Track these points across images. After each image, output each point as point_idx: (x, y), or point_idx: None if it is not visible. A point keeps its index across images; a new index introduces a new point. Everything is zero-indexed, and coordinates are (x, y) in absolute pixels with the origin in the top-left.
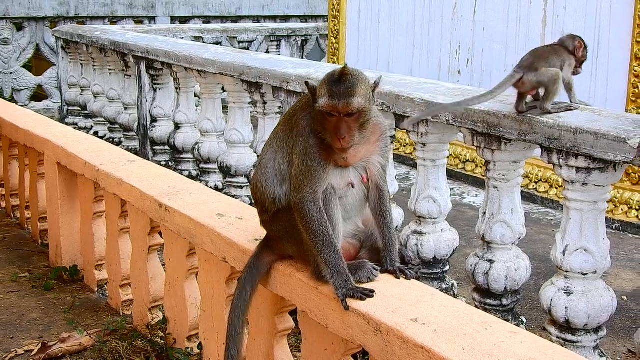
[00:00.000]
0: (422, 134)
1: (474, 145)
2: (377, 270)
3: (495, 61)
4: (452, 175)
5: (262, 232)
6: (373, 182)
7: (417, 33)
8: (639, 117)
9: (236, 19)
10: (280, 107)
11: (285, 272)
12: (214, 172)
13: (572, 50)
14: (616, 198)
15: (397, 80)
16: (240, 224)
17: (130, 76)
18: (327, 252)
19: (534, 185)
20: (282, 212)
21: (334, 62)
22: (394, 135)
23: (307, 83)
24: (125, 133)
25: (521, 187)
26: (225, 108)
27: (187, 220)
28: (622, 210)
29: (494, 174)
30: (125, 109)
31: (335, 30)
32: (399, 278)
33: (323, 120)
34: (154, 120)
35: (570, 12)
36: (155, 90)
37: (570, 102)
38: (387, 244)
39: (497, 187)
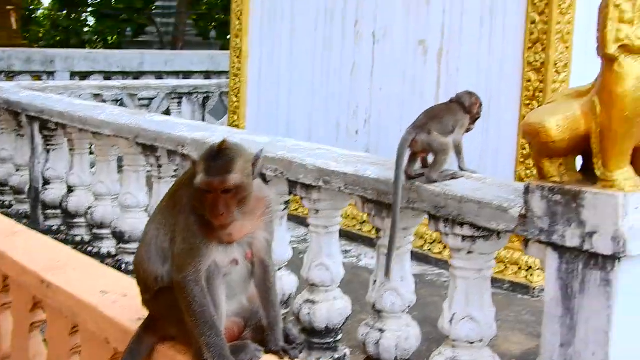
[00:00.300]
0: (314, 200)
1: (363, 211)
2: (260, 351)
3: (392, 121)
4: (348, 236)
5: (147, 311)
6: (258, 258)
7: (316, 93)
8: (520, 186)
9: (138, 74)
10: (175, 171)
11: (167, 355)
12: (107, 237)
13: (469, 106)
14: (506, 258)
15: (291, 146)
16: (125, 302)
17: (23, 136)
18: (209, 335)
19: (428, 247)
20: (164, 291)
21: (234, 121)
22: (289, 201)
23: (189, 157)
24: (16, 196)
25: (416, 248)
26: (121, 169)
27: (69, 298)
28: (512, 270)
29: (385, 241)
30: (17, 170)
31: (236, 89)
32: (282, 359)
33: (202, 197)
34: (46, 182)
35: (462, 74)
36: (48, 151)
37: (459, 166)
38: (272, 322)
39: None
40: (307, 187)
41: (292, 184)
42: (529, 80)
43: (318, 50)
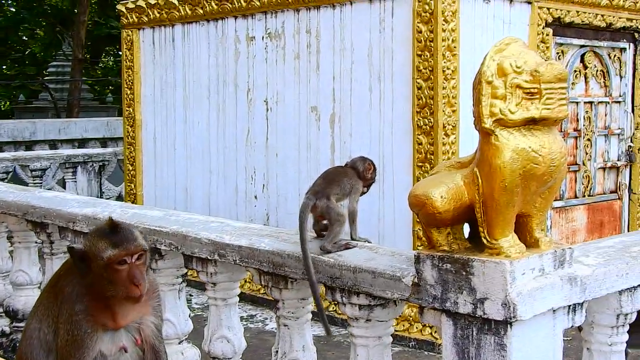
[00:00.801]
0: (211, 273)
1: (261, 284)
2: None
3: (290, 185)
4: (253, 300)
5: None
6: (148, 344)
7: (212, 159)
8: (412, 254)
9: (31, 144)
10: None
11: None
12: (0, 316)
13: (362, 170)
14: (411, 316)
15: (185, 219)
16: None
17: None
18: None
19: (333, 307)
20: None
21: (131, 189)
22: (186, 274)
23: (72, 249)
24: None
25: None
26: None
27: None
28: (416, 328)
29: (283, 312)
30: None
31: (132, 157)
32: None
33: (112, 274)
34: None
35: (355, 138)
36: None
37: (351, 236)
38: None
39: (287, 325)
40: (203, 261)
41: (188, 258)
42: (420, 143)
43: (213, 117)
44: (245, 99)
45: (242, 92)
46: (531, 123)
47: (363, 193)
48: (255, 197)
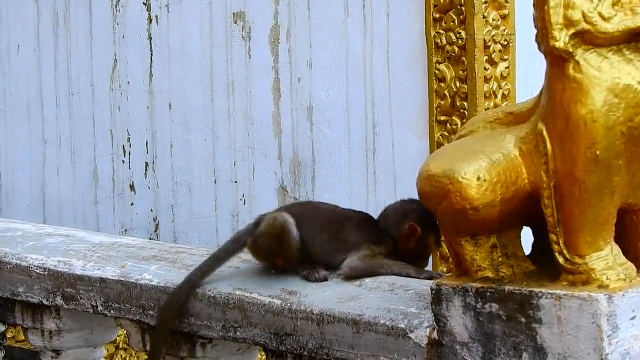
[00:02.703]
0: (50, 332)
1: (145, 350)
2: None
3: (196, 162)
4: None
5: None
6: None
7: (47, 117)
8: (426, 288)
9: None
10: None
11: None
12: None
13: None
14: None
15: None
16: None
17: None
18: None
19: None
20: None
21: None
22: (4, 333)
23: None
24: None
25: None
26: None
27: None
28: None
29: None
30: None
31: None
32: None
33: None
34: None
35: (318, 73)
36: None
37: None
38: None
39: None
40: (34, 310)
41: (6, 305)
42: (441, 80)
43: (46, 37)
44: (107, 0)
45: None
46: None
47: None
48: (132, 186)
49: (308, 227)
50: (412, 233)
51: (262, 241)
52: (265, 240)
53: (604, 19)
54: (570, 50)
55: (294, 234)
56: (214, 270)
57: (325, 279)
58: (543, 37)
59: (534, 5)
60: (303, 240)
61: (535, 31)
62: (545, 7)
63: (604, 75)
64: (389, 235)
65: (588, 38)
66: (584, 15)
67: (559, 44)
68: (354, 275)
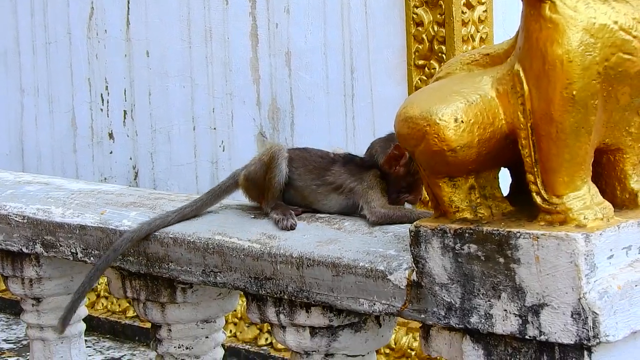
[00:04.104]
0: (30, 280)
1: (126, 297)
2: None
3: (174, 110)
4: (116, 332)
5: None
6: None
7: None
8: (405, 230)
9: None
10: None
11: None
12: None
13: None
14: (412, 349)
15: None
16: None
17: None
18: None
19: (266, 338)
20: None
21: None
22: None
23: None
24: None
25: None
26: None
27: None
28: None
29: (171, 347)
30: None
31: None
32: None
33: None
34: None
35: (296, 16)
36: None
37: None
38: None
39: None
40: (14, 258)
41: None
42: (419, 24)
43: None
44: None
45: None
46: None
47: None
48: (111, 134)
49: (297, 167)
50: (398, 155)
51: (253, 169)
52: (256, 169)
53: None
54: None
55: (282, 167)
56: (209, 205)
57: (292, 228)
58: None
59: None
60: (291, 180)
61: None
62: None
63: (580, 15)
64: (374, 165)
65: None
66: None
67: None
68: (378, 222)
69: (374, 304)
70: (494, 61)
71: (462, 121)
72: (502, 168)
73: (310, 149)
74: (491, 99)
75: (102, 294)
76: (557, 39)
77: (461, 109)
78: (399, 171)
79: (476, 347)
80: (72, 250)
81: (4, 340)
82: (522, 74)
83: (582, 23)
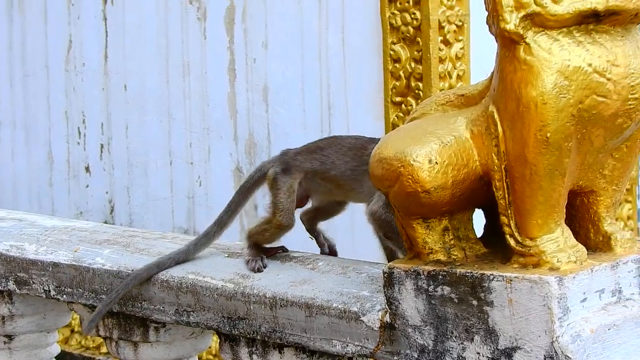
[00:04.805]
0: (3, 317)
1: (98, 335)
2: None
3: (152, 145)
4: None
5: None
6: None
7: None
8: (378, 271)
9: None
10: None
11: None
12: None
13: None
14: None
15: None
16: None
17: None
18: None
19: None
20: None
21: None
22: None
23: None
24: None
25: None
26: None
27: None
28: None
29: None
30: None
31: None
32: None
33: None
34: None
35: (275, 53)
36: None
37: None
38: None
39: None
40: None
41: None
42: (396, 60)
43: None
44: None
45: None
46: (591, 20)
47: None
48: (87, 168)
49: (328, 154)
50: None
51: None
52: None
53: (554, 1)
54: (521, 32)
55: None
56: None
57: (260, 271)
58: (494, 19)
59: None
60: (324, 171)
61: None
62: None
63: (555, 58)
64: None
65: (538, 20)
66: None
67: (510, 27)
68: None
69: (347, 346)
70: (468, 102)
71: (436, 162)
72: (476, 209)
73: (340, 136)
74: (465, 140)
75: (76, 329)
76: (532, 81)
77: (435, 150)
78: None
79: None
80: (45, 288)
81: None
82: (496, 115)
83: (556, 65)
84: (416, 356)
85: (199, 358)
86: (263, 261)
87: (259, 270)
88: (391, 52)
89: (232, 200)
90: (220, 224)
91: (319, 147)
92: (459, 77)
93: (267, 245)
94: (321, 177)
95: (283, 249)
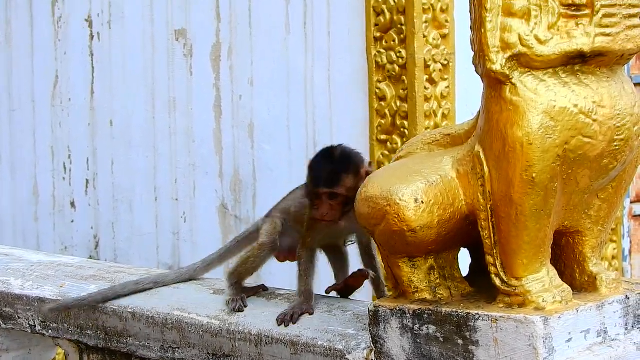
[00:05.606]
0: None
1: None
2: None
3: (138, 180)
4: None
5: None
6: None
7: None
8: (364, 309)
9: None
10: None
11: None
12: None
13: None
14: None
15: None
16: None
17: None
18: None
19: None
20: None
21: None
22: None
23: None
24: None
25: None
26: None
27: None
28: None
29: None
30: None
31: None
32: None
33: None
34: None
35: (260, 90)
36: None
37: None
38: None
39: None
40: None
41: None
42: (382, 98)
43: None
44: (49, 16)
45: (43, 3)
46: (577, 61)
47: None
48: (72, 203)
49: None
50: None
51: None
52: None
53: (540, 42)
54: (507, 73)
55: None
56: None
57: (240, 311)
58: (480, 59)
59: (471, 28)
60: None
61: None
62: (483, 30)
63: (540, 98)
64: None
65: (524, 61)
66: (520, 38)
67: (496, 67)
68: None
69: None
70: (454, 141)
71: (422, 202)
72: (462, 249)
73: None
74: (451, 180)
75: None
76: (518, 121)
77: (421, 189)
78: None
79: None
80: (30, 323)
81: None
82: (482, 155)
83: (542, 106)
84: None
85: None
86: (244, 301)
87: (240, 310)
88: (377, 90)
89: (224, 246)
90: (208, 262)
91: (291, 192)
92: (444, 115)
93: (248, 285)
94: (294, 219)
95: (263, 288)
